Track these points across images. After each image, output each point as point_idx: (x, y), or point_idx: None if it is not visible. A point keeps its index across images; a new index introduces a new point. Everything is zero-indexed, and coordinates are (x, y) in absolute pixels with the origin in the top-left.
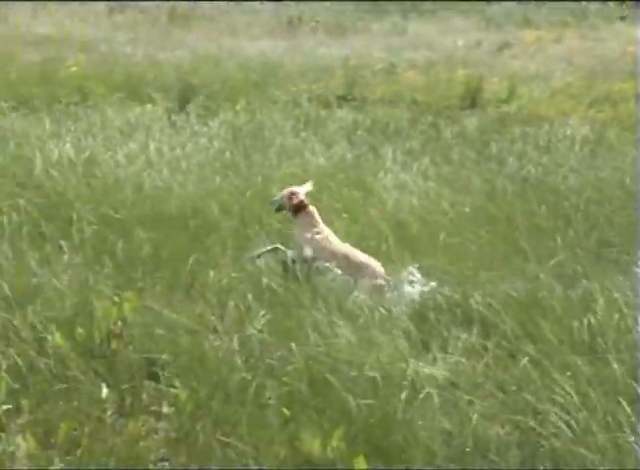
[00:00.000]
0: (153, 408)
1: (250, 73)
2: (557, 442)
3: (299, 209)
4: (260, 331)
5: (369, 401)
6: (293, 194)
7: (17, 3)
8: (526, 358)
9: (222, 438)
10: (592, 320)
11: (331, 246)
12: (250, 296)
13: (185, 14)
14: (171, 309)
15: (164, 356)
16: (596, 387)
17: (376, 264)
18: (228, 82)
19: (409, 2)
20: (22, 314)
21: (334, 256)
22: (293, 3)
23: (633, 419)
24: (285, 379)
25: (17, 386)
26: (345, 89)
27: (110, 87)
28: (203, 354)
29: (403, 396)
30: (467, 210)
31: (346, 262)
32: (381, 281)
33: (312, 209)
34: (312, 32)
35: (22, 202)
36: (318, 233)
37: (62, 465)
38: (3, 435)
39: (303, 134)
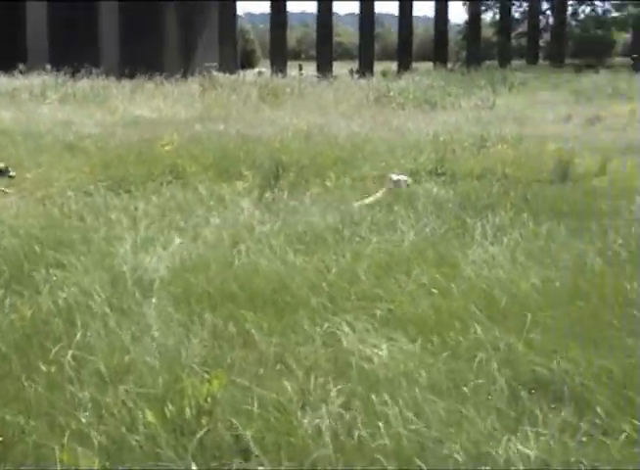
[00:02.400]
0: None
1: (337, 150)
2: None
3: None
4: (348, 408)
5: None
6: None
7: (114, 87)
8: (623, 436)
9: None
10: None
11: None
12: (336, 373)
13: (275, 91)
14: (260, 386)
15: (253, 433)
16: None
17: None
18: (317, 159)
19: (499, 74)
20: (114, 391)
21: None
22: (379, 73)
23: None
24: (375, 456)
25: (107, 464)
26: (435, 164)
27: (202, 165)
28: (291, 431)
29: None
30: (557, 284)
31: None
32: None
33: None
34: (400, 108)
35: None
36: None
37: None
38: None
39: (395, 209)
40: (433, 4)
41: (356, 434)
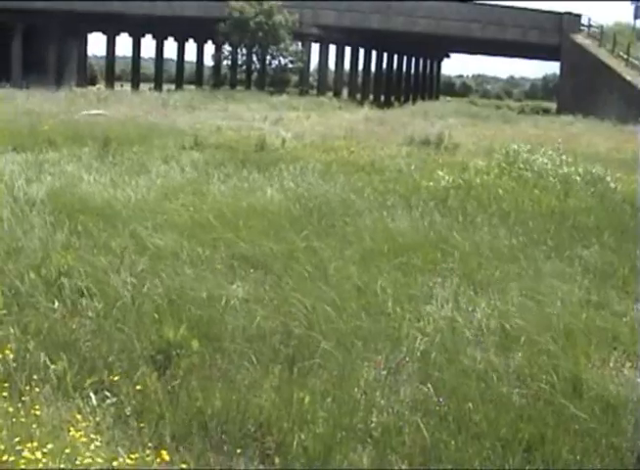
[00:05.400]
0: None
1: (140, 131)
2: None
3: None
4: (142, 272)
5: None
6: None
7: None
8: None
9: None
10: None
11: None
12: (138, 252)
13: (107, 97)
14: (94, 256)
15: (87, 284)
16: None
17: None
18: (130, 136)
19: (230, 93)
20: (13, 263)
21: None
22: (165, 90)
23: None
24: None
25: (8, 301)
26: (192, 140)
27: (65, 137)
28: (108, 283)
29: None
30: (258, 208)
31: None
32: None
33: None
34: (175, 109)
35: None
36: None
37: None
38: None
39: (170, 164)
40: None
41: (147, 284)
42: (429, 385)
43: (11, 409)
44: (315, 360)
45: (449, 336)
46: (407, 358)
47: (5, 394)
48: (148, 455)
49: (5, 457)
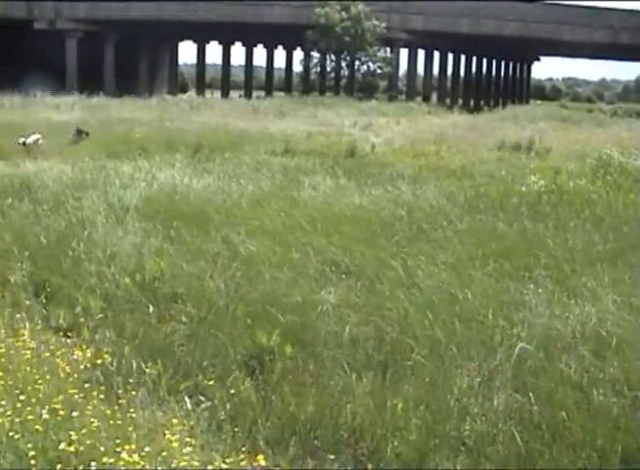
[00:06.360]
0: None
1: (231, 137)
2: None
3: None
4: (235, 277)
5: None
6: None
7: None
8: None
9: None
10: None
11: None
12: (230, 257)
13: (198, 105)
14: (188, 264)
15: (183, 290)
16: None
17: None
18: (221, 142)
19: (319, 100)
20: (107, 267)
21: None
22: (255, 97)
23: None
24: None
25: (105, 305)
26: (283, 146)
27: (157, 144)
28: (203, 288)
29: None
30: (348, 214)
31: None
32: None
33: None
34: (265, 115)
35: None
36: None
37: None
38: None
39: (261, 170)
40: (284, 58)
41: (241, 290)
42: (523, 393)
43: (108, 412)
44: (408, 367)
45: (543, 343)
46: (501, 366)
47: (102, 396)
48: (242, 460)
49: (104, 459)
